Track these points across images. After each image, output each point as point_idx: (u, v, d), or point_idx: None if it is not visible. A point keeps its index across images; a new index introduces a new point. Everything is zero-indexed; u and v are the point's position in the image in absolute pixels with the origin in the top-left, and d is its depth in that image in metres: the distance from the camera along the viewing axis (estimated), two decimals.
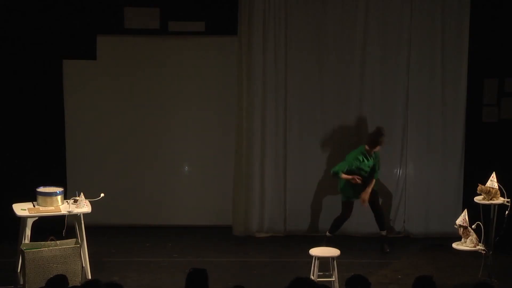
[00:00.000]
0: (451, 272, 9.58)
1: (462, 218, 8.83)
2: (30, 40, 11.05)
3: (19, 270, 9.20)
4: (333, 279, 8.76)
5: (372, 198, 10.40)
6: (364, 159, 10.25)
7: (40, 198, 9.23)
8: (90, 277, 9.22)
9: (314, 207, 11.16)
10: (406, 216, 11.17)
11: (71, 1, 11.01)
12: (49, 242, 8.82)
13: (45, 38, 11.04)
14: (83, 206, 9.19)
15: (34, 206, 9.24)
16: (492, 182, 8.94)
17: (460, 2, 10.84)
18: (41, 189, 9.28)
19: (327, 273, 8.85)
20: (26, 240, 8.98)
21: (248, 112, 11.02)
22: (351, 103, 10.99)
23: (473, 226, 8.81)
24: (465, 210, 8.93)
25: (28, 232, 8.97)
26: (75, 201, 9.23)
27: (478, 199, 9.00)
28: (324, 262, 8.88)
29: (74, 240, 9.00)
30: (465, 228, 8.83)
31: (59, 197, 9.25)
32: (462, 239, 8.91)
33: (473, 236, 8.82)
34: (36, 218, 9.06)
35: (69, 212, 9.10)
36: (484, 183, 8.95)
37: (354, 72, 11.00)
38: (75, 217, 9.21)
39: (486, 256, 8.93)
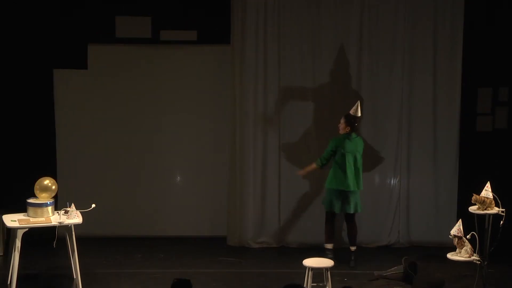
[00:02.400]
0: (446, 282, 9.51)
1: (457, 228, 8.77)
2: (20, 50, 11.00)
3: (9, 282, 9.11)
4: None
5: (347, 216, 10.36)
6: None
7: (30, 209, 9.13)
8: None
9: (308, 218, 11.10)
10: (400, 226, 11.13)
11: (62, 10, 10.96)
12: None
13: (36, 47, 10.99)
14: (74, 217, 9.11)
15: (24, 217, 9.15)
16: (487, 192, 8.88)
17: (454, 11, 10.84)
18: (32, 200, 9.19)
19: (320, 284, 8.80)
20: (17, 251, 8.89)
21: (242, 121, 10.97)
22: (347, 110, 10.91)
23: (468, 236, 8.75)
24: (460, 220, 8.87)
25: (18, 243, 8.87)
26: (66, 212, 9.15)
27: (472, 209, 8.94)
28: (318, 273, 8.82)
29: None
30: (459, 238, 8.77)
31: (49, 208, 9.16)
32: (457, 250, 8.84)
33: (468, 246, 8.76)
34: (27, 229, 8.98)
35: (60, 223, 9.01)
36: (478, 193, 8.89)
37: (347, 81, 10.97)
38: (66, 228, 9.12)
39: (481, 266, 8.87)
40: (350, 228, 10.34)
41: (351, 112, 10.11)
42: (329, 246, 10.32)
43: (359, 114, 10.16)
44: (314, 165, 10.36)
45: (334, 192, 10.16)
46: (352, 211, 10.19)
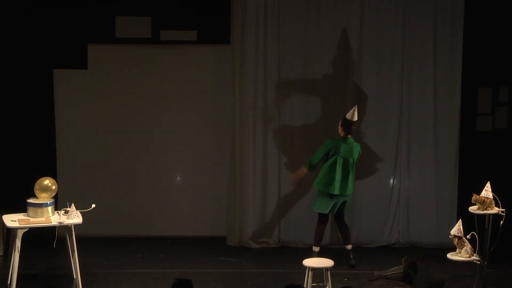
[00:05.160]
0: (446, 282, 9.51)
1: (457, 228, 8.76)
2: (20, 50, 10.99)
3: (9, 282, 9.10)
4: None
5: (338, 213, 10.31)
6: None
7: (30, 209, 9.12)
8: None
9: (308, 218, 11.07)
10: (400, 226, 11.12)
11: (62, 10, 10.95)
12: None
13: (36, 47, 10.98)
14: (74, 217, 9.10)
15: (24, 217, 9.14)
16: (487, 192, 8.87)
17: (454, 12, 10.83)
18: (32, 200, 9.19)
19: (320, 284, 8.79)
20: (17, 251, 8.88)
21: (242, 121, 10.96)
22: (345, 113, 10.90)
23: (468, 236, 8.74)
24: (460, 220, 8.86)
25: (18, 243, 8.87)
26: (66, 212, 9.14)
27: (472, 209, 8.93)
28: (318, 273, 8.81)
29: None
30: (459, 238, 8.76)
31: (49, 208, 9.16)
32: (457, 250, 8.84)
33: (468, 247, 8.75)
34: (27, 229, 8.97)
35: (60, 223, 9.00)
36: (478, 193, 8.88)
37: (347, 82, 10.96)
38: (66, 228, 9.11)
39: (481, 266, 8.86)
40: (341, 228, 10.34)
41: (347, 116, 10.07)
42: (315, 249, 10.26)
43: (356, 119, 10.08)
44: (304, 169, 10.28)
45: (321, 193, 10.13)
46: (341, 212, 10.20)
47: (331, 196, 10.05)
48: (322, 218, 10.25)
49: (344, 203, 10.14)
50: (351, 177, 10.05)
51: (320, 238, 10.29)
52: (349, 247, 10.31)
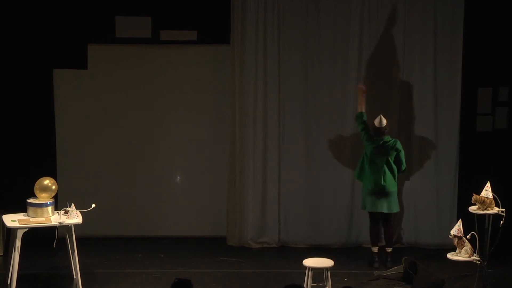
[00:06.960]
0: (446, 282, 9.51)
1: (457, 228, 8.77)
2: (20, 50, 10.99)
3: (9, 282, 9.10)
4: None
5: (385, 216, 10.29)
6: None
7: (30, 209, 9.12)
8: None
9: (309, 218, 11.09)
10: (401, 226, 11.11)
11: (62, 10, 10.95)
12: None
13: (36, 47, 10.98)
14: (74, 217, 9.10)
15: (24, 217, 9.14)
16: (487, 192, 8.88)
17: (454, 11, 10.82)
18: (32, 200, 9.18)
19: (320, 284, 8.78)
20: (17, 251, 8.88)
21: (241, 122, 10.96)
22: (346, 114, 10.92)
23: (468, 236, 8.74)
24: (460, 220, 8.87)
25: (18, 243, 8.87)
26: (66, 212, 9.14)
27: (472, 209, 8.94)
28: (318, 273, 8.81)
29: None
30: (459, 238, 8.77)
31: (49, 208, 9.16)
32: (457, 250, 8.85)
33: (468, 246, 8.76)
34: (27, 229, 8.97)
35: (60, 223, 9.00)
36: (478, 193, 8.89)
37: (348, 82, 10.95)
38: (66, 228, 9.11)
39: (481, 266, 8.87)
40: (383, 229, 10.38)
41: (375, 123, 10.10)
42: (373, 249, 10.31)
43: (384, 124, 10.07)
44: None
45: (364, 191, 10.20)
46: (385, 210, 10.14)
47: (370, 192, 10.09)
48: (369, 217, 10.31)
49: (384, 201, 10.11)
50: (388, 173, 10.05)
51: (373, 238, 10.32)
52: (387, 250, 10.33)
